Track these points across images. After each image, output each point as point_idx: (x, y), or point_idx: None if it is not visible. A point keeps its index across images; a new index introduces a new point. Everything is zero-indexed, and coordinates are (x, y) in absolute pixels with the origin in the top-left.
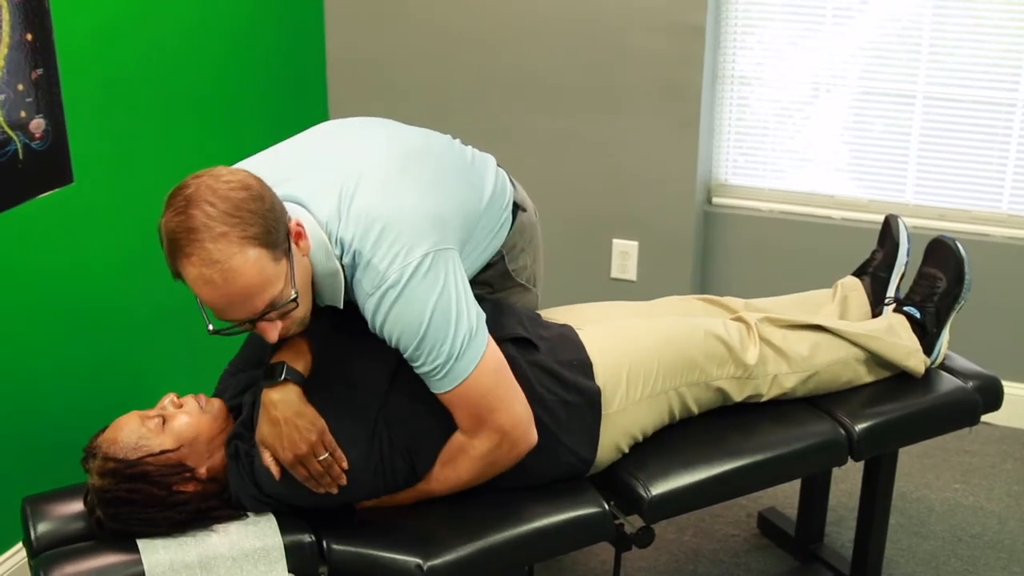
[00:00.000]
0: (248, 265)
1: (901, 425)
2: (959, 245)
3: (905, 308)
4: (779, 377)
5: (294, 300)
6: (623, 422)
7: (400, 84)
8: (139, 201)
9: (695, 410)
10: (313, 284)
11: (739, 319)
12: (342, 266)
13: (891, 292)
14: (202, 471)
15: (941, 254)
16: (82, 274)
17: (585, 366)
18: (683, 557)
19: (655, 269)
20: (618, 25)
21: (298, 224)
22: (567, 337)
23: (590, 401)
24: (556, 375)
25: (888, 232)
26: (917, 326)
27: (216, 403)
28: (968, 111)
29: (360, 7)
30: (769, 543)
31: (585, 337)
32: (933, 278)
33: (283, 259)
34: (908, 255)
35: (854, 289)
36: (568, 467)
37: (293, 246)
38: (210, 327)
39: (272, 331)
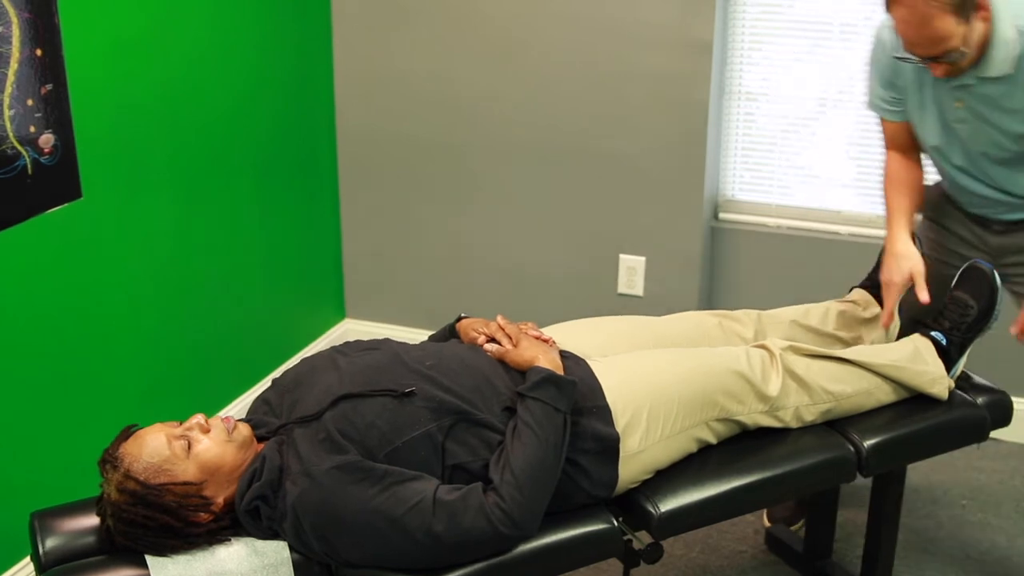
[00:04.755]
0: (936, 23)
1: (910, 441)
2: (996, 273)
3: (932, 333)
4: (800, 409)
5: (962, 54)
6: (642, 461)
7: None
8: (147, 216)
9: (713, 442)
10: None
11: (762, 347)
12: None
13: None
14: (219, 501)
15: (976, 281)
16: (90, 288)
17: (603, 412)
18: (691, 573)
19: (662, 284)
20: (626, 41)
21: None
22: (584, 380)
23: (609, 448)
24: (574, 424)
25: None
26: (941, 351)
27: (244, 431)
28: None
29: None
30: (777, 559)
31: (601, 373)
32: (965, 305)
33: (964, 24)
34: None
35: (875, 308)
36: (581, 504)
37: (975, 17)
38: (895, 55)
39: (937, 69)
